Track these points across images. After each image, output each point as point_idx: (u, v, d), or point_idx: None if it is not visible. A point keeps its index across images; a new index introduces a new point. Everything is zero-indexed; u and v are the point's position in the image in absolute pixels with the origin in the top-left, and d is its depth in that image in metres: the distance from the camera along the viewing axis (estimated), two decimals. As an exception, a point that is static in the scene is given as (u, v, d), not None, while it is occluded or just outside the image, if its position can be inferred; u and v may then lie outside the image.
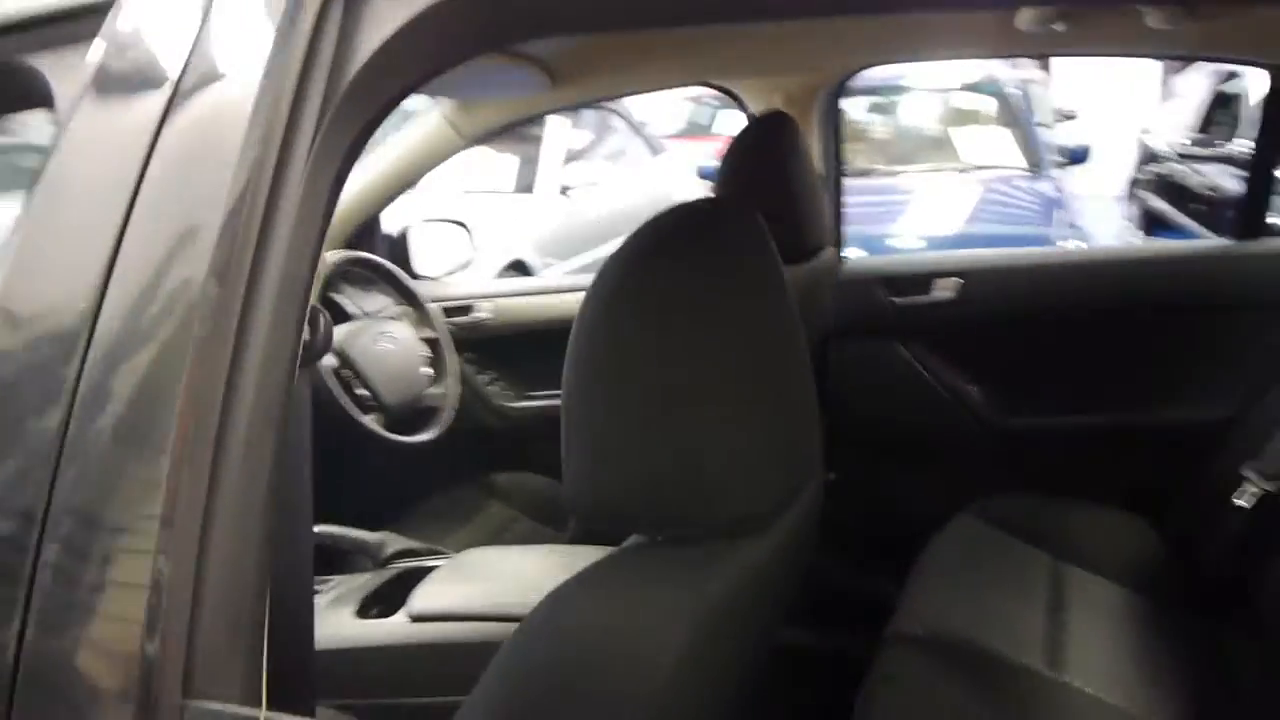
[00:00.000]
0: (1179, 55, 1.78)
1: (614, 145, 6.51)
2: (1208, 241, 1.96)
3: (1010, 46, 1.76)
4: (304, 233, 0.58)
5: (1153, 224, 6.25)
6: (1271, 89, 1.77)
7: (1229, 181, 5.19)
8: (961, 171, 4.77)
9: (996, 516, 1.87)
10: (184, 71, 0.60)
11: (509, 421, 2.27)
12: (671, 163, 6.95)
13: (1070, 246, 3.98)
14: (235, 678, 0.54)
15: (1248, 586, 1.64)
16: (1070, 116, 7.77)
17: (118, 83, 0.63)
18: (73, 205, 0.61)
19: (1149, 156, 6.63)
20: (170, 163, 0.59)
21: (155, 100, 0.60)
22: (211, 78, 0.60)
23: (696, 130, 8.63)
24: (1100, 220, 5.44)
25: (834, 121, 1.99)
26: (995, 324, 2.01)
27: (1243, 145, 5.13)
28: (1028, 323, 2.00)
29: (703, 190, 6.46)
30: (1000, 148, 4.93)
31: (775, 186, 1.62)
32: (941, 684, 1.40)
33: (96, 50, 0.63)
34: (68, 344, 0.57)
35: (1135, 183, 6.75)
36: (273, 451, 0.56)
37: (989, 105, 5.30)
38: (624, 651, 0.70)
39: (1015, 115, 5.14)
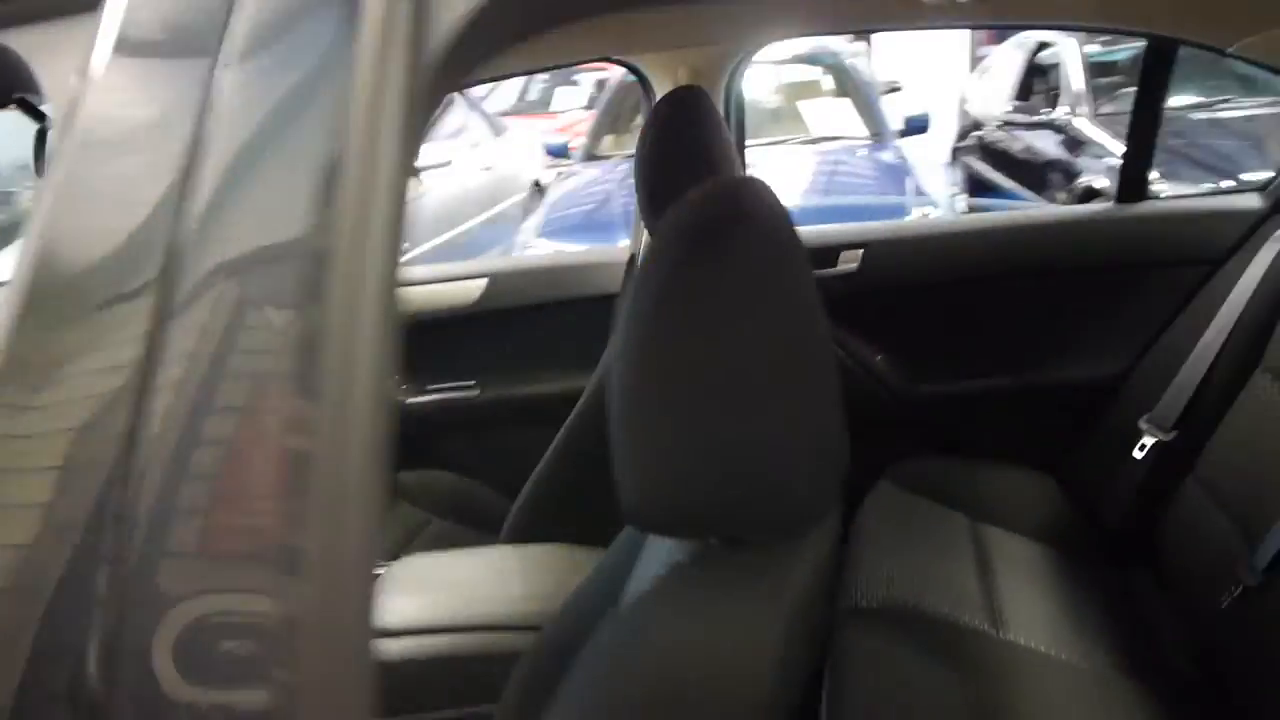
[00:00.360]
0: (1074, 25, 1.85)
1: (453, 123, 6.33)
2: (1095, 206, 2.05)
3: (916, 19, 1.78)
4: (394, 229, 0.50)
5: (977, 187, 6.58)
6: (1148, 60, 1.86)
7: (1048, 146, 5.51)
8: (811, 143, 4.86)
9: (912, 482, 1.91)
10: (222, 43, 0.52)
11: (409, 417, 2.17)
12: (517, 140, 6.83)
13: (922, 213, 4.12)
14: None
15: (1149, 536, 1.73)
16: (896, 88, 8.05)
17: (146, 51, 0.54)
18: (107, 198, 0.51)
19: (971, 124, 6.97)
20: (225, 152, 0.50)
21: (195, 71, 0.51)
22: (261, 50, 0.52)
23: (534, 107, 8.53)
24: (929, 185, 5.66)
25: (738, 97, 1.98)
26: (898, 293, 2.05)
27: (1062, 112, 5.45)
28: (929, 291, 2.04)
29: (551, 168, 6.39)
30: (845, 119, 5.05)
31: (698, 162, 1.59)
32: (905, 654, 1.42)
33: (110, 16, 0.54)
34: (120, 369, 0.48)
35: (959, 149, 7.08)
36: (379, 485, 0.49)
37: (827, 78, 5.42)
38: (724, 672, 0.66)
39: (855, 86, 5.28)
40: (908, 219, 3.81)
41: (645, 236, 2.03)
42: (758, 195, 0.76)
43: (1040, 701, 1.37)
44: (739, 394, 0.70)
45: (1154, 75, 1.85)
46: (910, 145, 5.12)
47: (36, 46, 0.59)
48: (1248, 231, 1.82)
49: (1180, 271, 1.89)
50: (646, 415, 0.71)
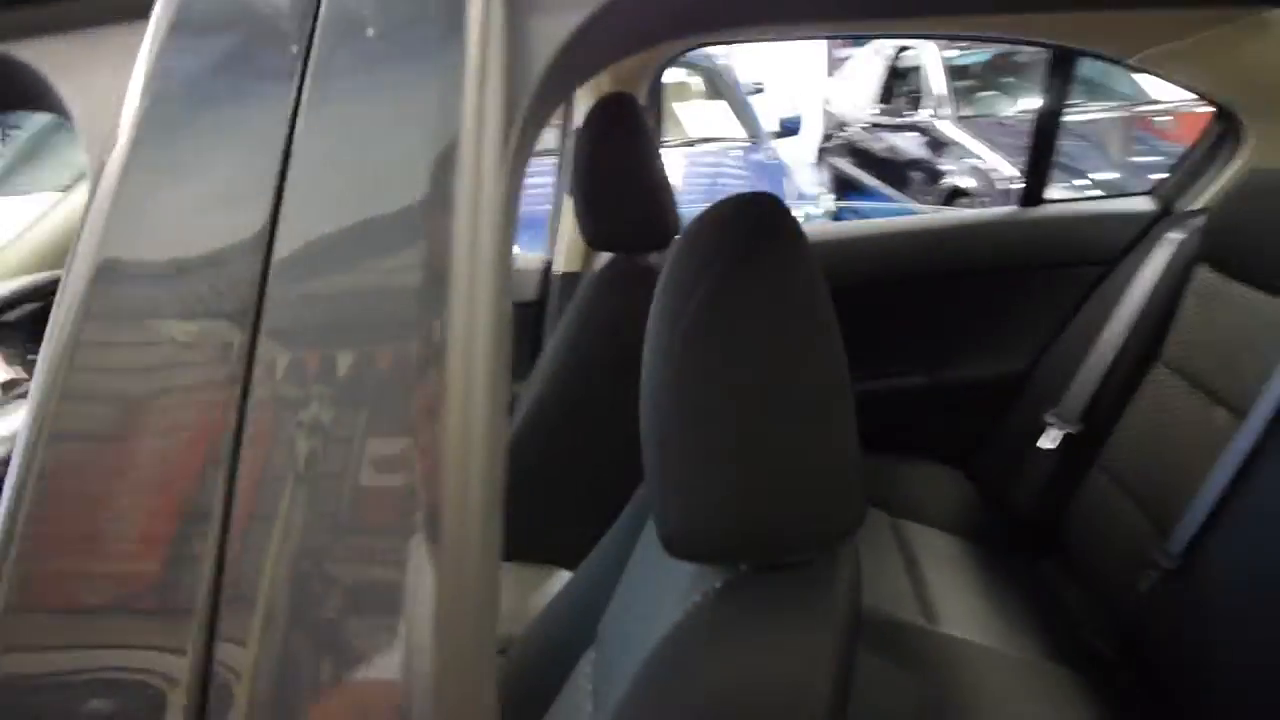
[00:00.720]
0: (982, 37, 1.91)
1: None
2: (999, 210, 2.13)
3: (848, 26, 1.82)
4: (505, 250, 0.48)
5: (843, 186, 6.78)
6: (1050, 71, 1.95)
7: (912, 147, 5.73)
8: (689, 145, 4.89)
9: None
10: (308, 56, 0.48)
11: None
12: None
13: (802, 214, 4.21)
14: None
15: (1056, 525, 1.82)
16: (759, 89, 8.19)
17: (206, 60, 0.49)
18: (181, 216, 0.47)
19: (836, 126, 7.17)
20: (317, 162, 0.47)
21: (280, 79, 0.48)
22: (351, 72, 0.49)
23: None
24: (805, 186, 5.80)
25: (658, 101, 1.98)
26: None
27: (924, 115, 5.67)
28: (841, 293, 2.08)
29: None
30: (720, 120, 5.11)
31: (634, 171, 1.58)
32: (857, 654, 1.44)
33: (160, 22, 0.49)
34: (208, 394, 0.45)
35: (824, 150, 7.28)
36: (500, 516, 0.47)
37: (698, 80, 5.47)
38: (786, 700, 0.65)
39: (728, 89, 5.35)
40: (815, 223, 3.89)
41: (568, 243, 2.01)
42: (781, 213, 0.75)
43: (984, 692, 1.42)
44: (780, 414, 0.69)
45: (1055, 86, 1.94)
46: (781, 146, 5.23)
47: (58, 58, 0.54)
48: (1141, 232, 1.92)
49: (1080, 271, 1.98)
50: (688, 443, 0.70)
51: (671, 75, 5.53)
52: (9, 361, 1.60)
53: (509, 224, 0.49)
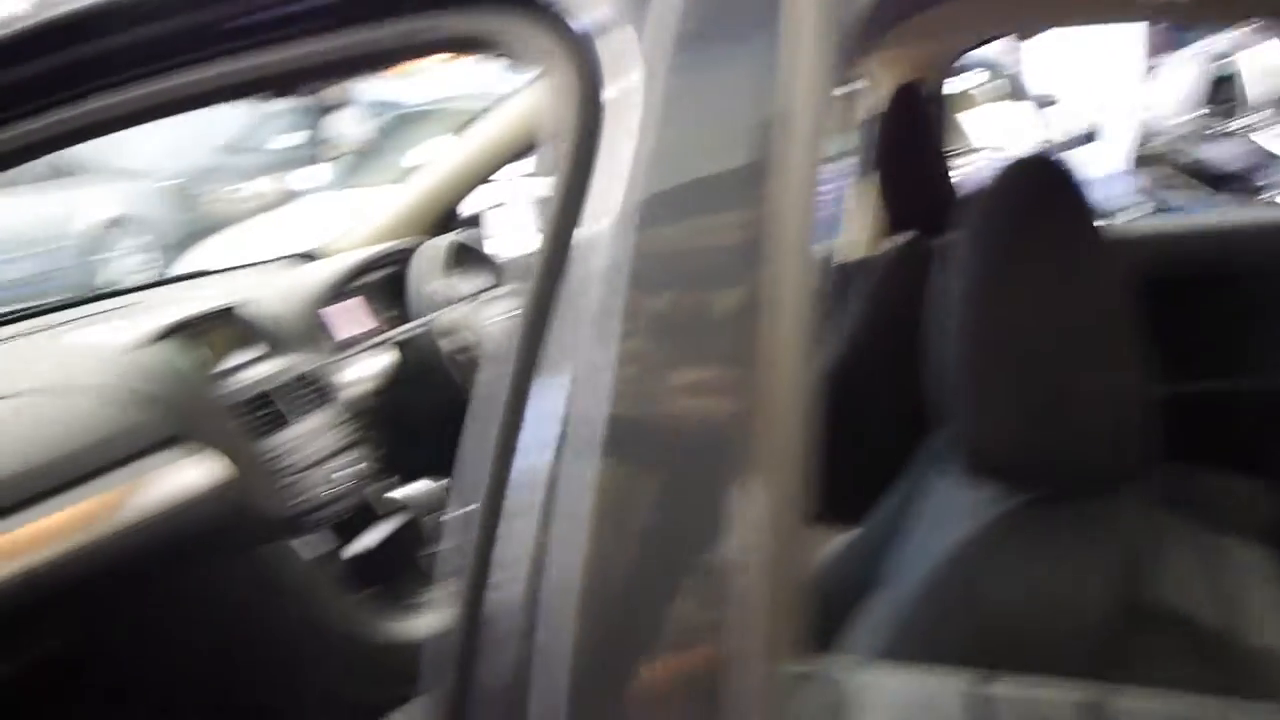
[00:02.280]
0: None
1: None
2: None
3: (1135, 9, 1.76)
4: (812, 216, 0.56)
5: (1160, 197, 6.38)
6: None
7: (1229, 158, 5.35)
8: (978, 152, 4.83)
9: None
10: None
11: None
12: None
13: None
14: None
15: None
16: (1051, 102, 7.83)
17: None
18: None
19: (1149, 135, 6.75)
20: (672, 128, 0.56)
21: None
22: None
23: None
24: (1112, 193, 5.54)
25: (941, 99, 2.01)
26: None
27: (1243, 121, 5.29)
28: (1162, 289, 1.99)
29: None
30: (1010, 126, 5.04)
31: (932, 156, 1.65)
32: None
33: None
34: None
35: (1140, 159, 6.87)
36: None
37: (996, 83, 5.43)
38: (1054, 626, 0.72)
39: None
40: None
41: (860, 228, 2.06)
42: (1065, 179, 0.81)
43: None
44: (1078, 362, 0.76)
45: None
46: (1086, 154, 5.09)
47: None
48: None
49: None
50: (999, 382, 0.77)
51: (970, 79, 5.51)
52: (374, 315, 1.86)
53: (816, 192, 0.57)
